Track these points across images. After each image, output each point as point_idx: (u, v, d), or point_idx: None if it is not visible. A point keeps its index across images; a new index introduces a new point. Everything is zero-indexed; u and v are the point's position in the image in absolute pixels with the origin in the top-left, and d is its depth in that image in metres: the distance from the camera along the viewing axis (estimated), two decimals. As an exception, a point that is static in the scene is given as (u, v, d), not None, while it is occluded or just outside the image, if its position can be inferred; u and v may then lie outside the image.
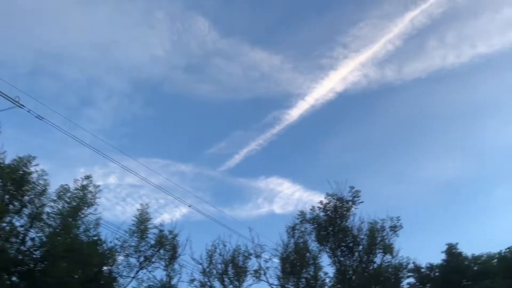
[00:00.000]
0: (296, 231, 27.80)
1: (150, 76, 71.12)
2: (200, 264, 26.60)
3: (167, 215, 36.63)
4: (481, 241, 63.62)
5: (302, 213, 28.02)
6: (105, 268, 24.78)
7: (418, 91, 73.27)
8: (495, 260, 40.29)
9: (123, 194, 44.85)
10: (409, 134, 78.76)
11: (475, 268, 40.75)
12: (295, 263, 27.20)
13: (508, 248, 39.38)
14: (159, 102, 74.80)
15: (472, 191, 69.22)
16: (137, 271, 25.42)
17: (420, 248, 56.72)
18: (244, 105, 78.36)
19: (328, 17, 78.77)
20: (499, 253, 40.06)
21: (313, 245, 27.62)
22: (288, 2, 78.52)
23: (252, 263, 27.27)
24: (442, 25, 69.06)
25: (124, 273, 25.20)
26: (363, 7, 78.94)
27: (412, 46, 70.95)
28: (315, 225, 27.70)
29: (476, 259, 41.27)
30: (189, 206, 27.36)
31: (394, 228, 27.38)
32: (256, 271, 26.89)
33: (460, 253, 41.09)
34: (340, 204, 27.60)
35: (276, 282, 27.03)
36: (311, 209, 27.93)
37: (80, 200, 23.12)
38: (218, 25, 67.72)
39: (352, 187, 27.56)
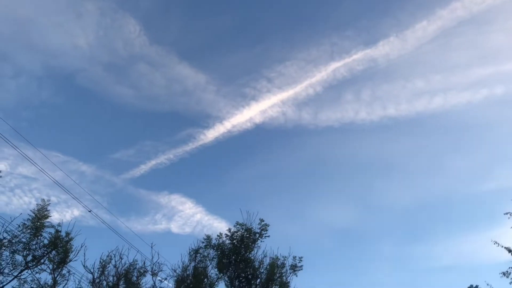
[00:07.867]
0: (199, 254, 27.57)
1: (66, 65, 66.90)
2: (91, 273, 25.46)
3: (56, 215, 34.38)
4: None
5: (208, 238, 28.03)
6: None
7: (328, 139, 76.82)
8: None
9: (12, 184, 41.12)
10: (313, 177, 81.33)
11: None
12: (191, 287, 26.72)
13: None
14: (71, 93, 70.76)
15: (363, 241, 72.11)
16: (21, 270, 23.87)
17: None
18: (160, 116, 76.85)
19: (258, 48, 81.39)
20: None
21: (212, 272, 27.45)
22: (223, 25, 79.74)
23: (146, 281, 26.58)
24: (359, 82, 73.35)
25: (6, 270, 23.61)
26: (293, 47, 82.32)
27: (330, 95, 74.40)
28: (219, 252, 27.66)
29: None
30: (89, 211, 26.44)
31: (294, 267, 27.89)
32: (148, 290, 26.14)
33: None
34: (248, 235, 27.91)
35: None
36: (218, 236, 28.08)
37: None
38: (150, 31, 66.61)
39: (261, 220, 28.14)
